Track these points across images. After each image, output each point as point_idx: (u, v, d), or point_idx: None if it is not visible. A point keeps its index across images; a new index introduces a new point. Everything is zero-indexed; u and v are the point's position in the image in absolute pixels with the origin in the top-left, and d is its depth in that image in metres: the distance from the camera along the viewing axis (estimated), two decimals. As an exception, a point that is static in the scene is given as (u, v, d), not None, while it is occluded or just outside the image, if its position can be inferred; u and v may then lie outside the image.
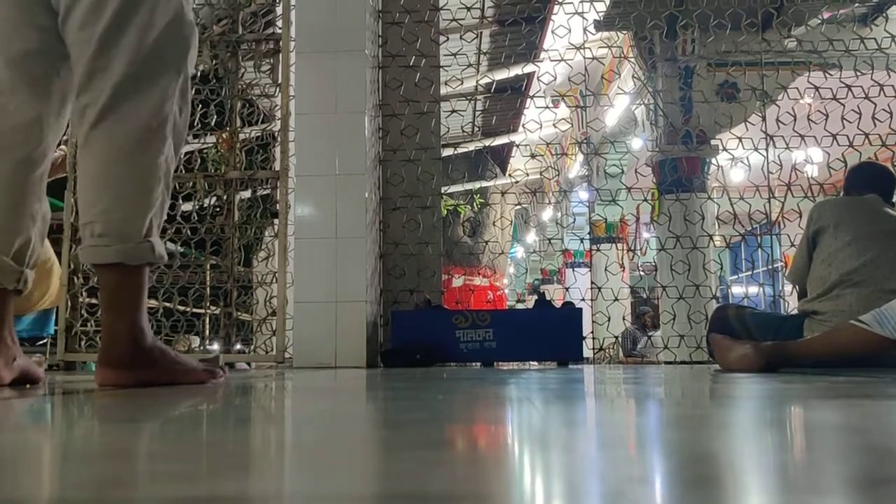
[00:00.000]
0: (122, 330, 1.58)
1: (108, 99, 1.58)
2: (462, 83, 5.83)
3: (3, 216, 1.63)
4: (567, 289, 4.37)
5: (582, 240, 5.41)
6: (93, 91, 1.59)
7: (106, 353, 1.59)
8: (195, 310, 4.34)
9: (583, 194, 10.04)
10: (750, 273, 10.04)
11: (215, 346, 4.03)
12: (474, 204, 12.50)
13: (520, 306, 12.39)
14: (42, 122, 1.65)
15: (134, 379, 1.57)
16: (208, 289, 3.83)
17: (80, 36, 1.60)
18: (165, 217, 1.70)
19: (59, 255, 3.62)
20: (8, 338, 1.66)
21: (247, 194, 4.12)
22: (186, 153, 3.69)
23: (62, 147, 3.85)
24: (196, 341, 5.09)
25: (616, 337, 5.94)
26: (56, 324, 3.66)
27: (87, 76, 1.60)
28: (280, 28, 3.65)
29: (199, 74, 3.79)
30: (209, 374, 1.71)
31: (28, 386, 1.69)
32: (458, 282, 11.26)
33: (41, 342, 4.17)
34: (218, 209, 3.75)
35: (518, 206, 11.37)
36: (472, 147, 9.16)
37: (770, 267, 6.38)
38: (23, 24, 1.64)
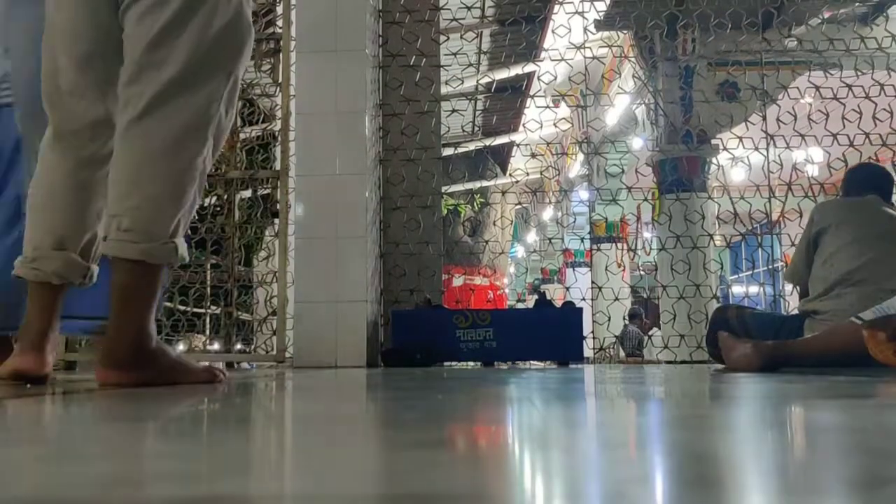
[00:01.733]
0: (128, 331, 1.56)
1: (155, 94, 1.56)
2: (462, 83, 5.83)
3: (72, 214, 1.66)
4: (567, 288, 4.38)
5: (582, 239, 5.41)
6: (141, 84, 1.57)
7: (108, 353, 1.57)
8: (196, 309, 4.34)
9: (583, 194, 10.03)
10: (750, 273, 10.04)
11: (215, 346, 4.03)
12: (475, 203, 12.49)
13: (520, 306, 12.38)
14: (109, 122, 1.64)
15: (135, 380, 1.55)
16: (209, 288, 3.83)
17: (138, 28, 1.59)
18: (194, 216, 1.70)
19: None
20: (56, 331, 1.69)
21: (247, 194, 4.12)
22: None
23: None
24: (198, 340, 5.09)
25: (616, 337, 5.95)
26: None
27: (137, 68, 1.58)
28: (280, 27, 3.66)
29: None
30: (210, 375, 1.69)
31: (28, 385, 1.69)
32: (458, 281, 11.25)
33: None
34: (218, 208, 3.76)
35: (518, 206, 11.36)
36: (472, 146, 9.15)
37: (770, 267, 6.38)
38: (88, 23, 1.64)
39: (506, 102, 9.57)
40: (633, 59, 6.97)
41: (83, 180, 1.66)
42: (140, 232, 1.54)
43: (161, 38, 1.57)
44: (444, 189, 4.60)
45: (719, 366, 2.71)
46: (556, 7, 4.70)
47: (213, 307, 3.94)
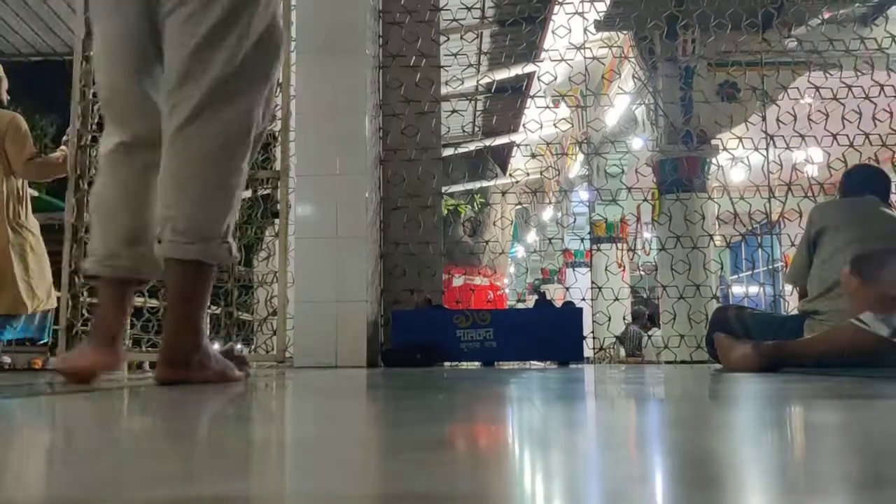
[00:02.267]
0: (187, 330, 1.60)
1: (200, 100, 1.60)
2: (462, 83, 5.83)
3: (143, 214, 1.70)
4: (567, 288, 4.38)
5: (582, 239, 5.40)
6: (186, 90, 1.61)
7: (170, 351, 1.61)
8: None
9: (583, 194, 10.03)
10: (750, 273, 10.04)
11: (216, 346, 4.03)
12: (475, 204, 12.49)
13: (520, 306, 12.38)
14: (161, 127, 1.69)
15: (194, 377, 1.60)
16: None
17: (182, 34, 1.62)
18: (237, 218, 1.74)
19: (58, 253, 3.62)
20: (126, 328, 1.77)
21: (247, 194, 4.12)
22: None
23: (62, 147, 3.85)
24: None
25: (616, 337, 5.94)
26: (56, 323, 3.66)
27: (181, 75, 1.62)
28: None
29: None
30: (242, 371, 1.74)
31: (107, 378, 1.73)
32: (458, 281, 11.26)
33: (42, 342, 4.18)
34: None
35: (518, 206, 11.36)
36: (472, 147, 9.15)
37: (770, 267, 6.38)
38: (132, 37, 1.68)
39: (506, 103, 9.56)
40: (633, 60, 6.97)
41: (152, 182, 1.69)
42: (195, 233, 1.59)
43: (206, 43, 1.61)
44: (444, 189, 4.61)
45: (718, 366, 2.71)
46: (556, 8, 4.70)
47: (213, 307, 3.94)
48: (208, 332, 4.14)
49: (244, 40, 1.63)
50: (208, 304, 1.68)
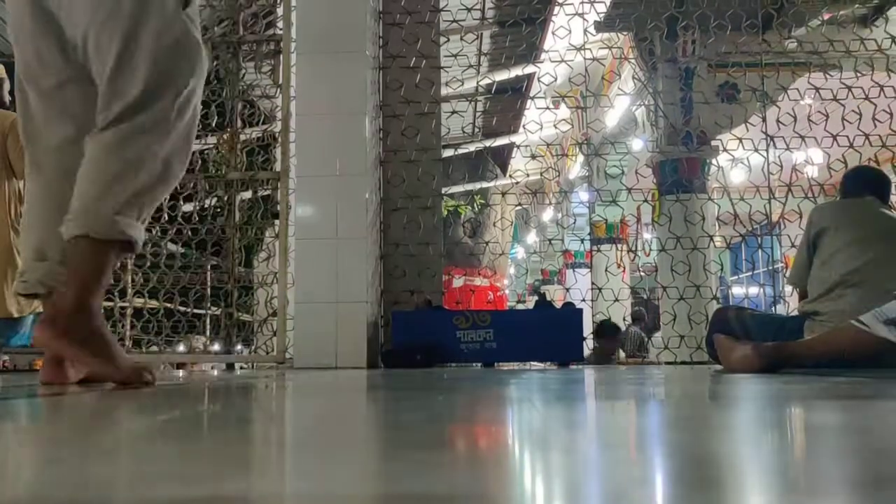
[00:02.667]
0: (71, 298, 1.62)
1: (116, 115, 1.69)
2: (462, 84, 5.83)
3: (48, 225, 1.74)
4: (567, 289, 4.38)
5: (582, 240, 5.41)
6: (108, 110, 1.70)
7: (49, 316, 1.67)
8: (196, 310, 4.34)
9: (583, 195, 10.04)
10: (750, 274, 10.04)
11: (216, 347, 4.03)
12: (475, 205, 12.49)
13: (520, 307, 12.37)
14: (77, 138, 1.75)
15: (65, 347, 1.62)
16: (209, 289, 3.84)
17: (96, 64, 1.72)
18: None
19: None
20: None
21: (248, 195, 4.12)
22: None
23: None
24: (198, 341, 5.09)
25: (616, 338, 5.93)
26: None
27: (104, 98, 1.71)
28: (281, 29, 3.66)
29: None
30: (137, 376, 1.66)
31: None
32: (458, 282, 11.25)
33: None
34: (219, 210, 3.76)
35: (518, 207, 11.35)
36: (472, 148, 9.14)
37: (770, 268, 6.38)
38: (45, 60, 1.77)
39: (506, 104, 9.56)
40: (633, 61, 6.98)
41: (55, 193, 1.75)
42: (82, 211, 1.64)
43: (115, 71, 1.69)
44: (444, 190, 4.60)
45: (719, 367, 2.71)
46: (556, 9, 4.70)
47: (213, 308, 3.95)
48: (209, 333, 4.16)
49: (152, 62, 1.71)
50: (102, 281, 1.67)
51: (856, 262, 2.59)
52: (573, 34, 4.20)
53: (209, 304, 3.97)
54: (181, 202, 3.84)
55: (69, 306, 1.61)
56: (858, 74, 4.23)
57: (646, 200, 4.98)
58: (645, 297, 11.25)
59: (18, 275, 1.79)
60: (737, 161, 4.64)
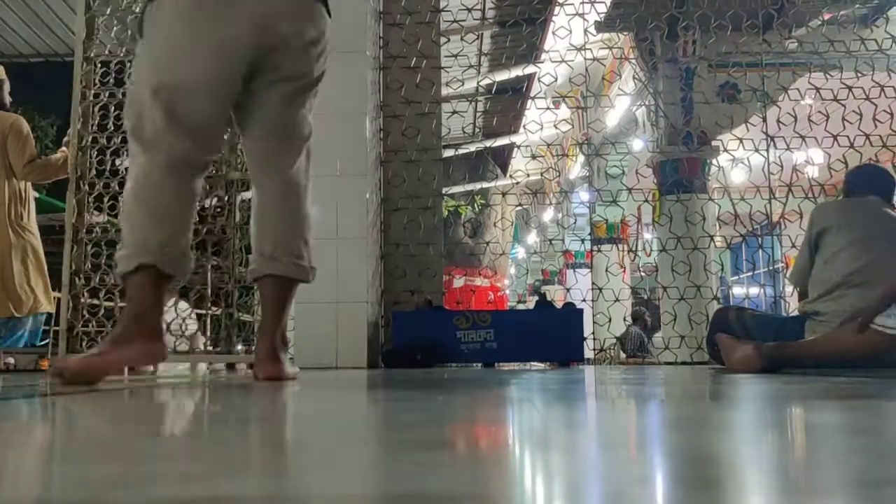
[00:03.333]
0: (282, 331, 2.01)
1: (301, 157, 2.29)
2: (463, 84, 5.82)
3: (189, 221, 1.96)
4: (568, 290, 4.37)
5: (583, 240, 5.40)
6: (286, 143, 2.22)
7: (271, 350, 1.93)
8: (197, 310, 4.34)
9: (583, 195, 10.03)
10: (751, 274, 10.03)
11: (216, 348, 4.03)
12: (475, 205, 12.49)
13: (521, 307, 12.37)
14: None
15: (284, 372, 1.93)
16: (209, 290, 3.83)
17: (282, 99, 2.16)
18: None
19: (58, 255, 3.62)
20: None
21: (248, 195, 4.12)
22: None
23: (63, 149, 3.86)
24: (199, 342, 5.09)
25: (617, 338, 5.94)
26: (57, 324, 3.66)
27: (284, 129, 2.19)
28: (281, 29, 3.65)
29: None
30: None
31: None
32: (458, 282, 11.25)
33: (43, 342, 4.18)
34: (219, 210, 3.76)
35: (519, 207, 11.35)
36: (473, 148, 9.15)
37: (771, 268, 6.38)
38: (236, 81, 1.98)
39: (506, 104, 9.56)
40: (633, 61, 6.97)
41: (195, 191, 1.96)
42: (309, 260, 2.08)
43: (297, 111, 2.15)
44: (444, 190, 4.60)
45: (718, 366, 2.70)
46: (557, 9, 4.70)
47: (213, 308, 3.94)
48: (208, 333, 4.16)
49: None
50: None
51: (857, 262, 2.59)
52: (573, 34, 4.20)
53: (210, 305, 3.97)
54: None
55: (282, 338, 2.01)
56: (859, 74, 4.23)
57: (646, 200, 4.98)
58: (645, 297, 11.25)
59: (155, 247, 1.82)
60: (737, 161, 4.64)
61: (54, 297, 3.90)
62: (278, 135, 2.03)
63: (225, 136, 2.04)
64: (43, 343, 4.18)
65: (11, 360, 4.26)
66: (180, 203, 1.90)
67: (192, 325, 4.62)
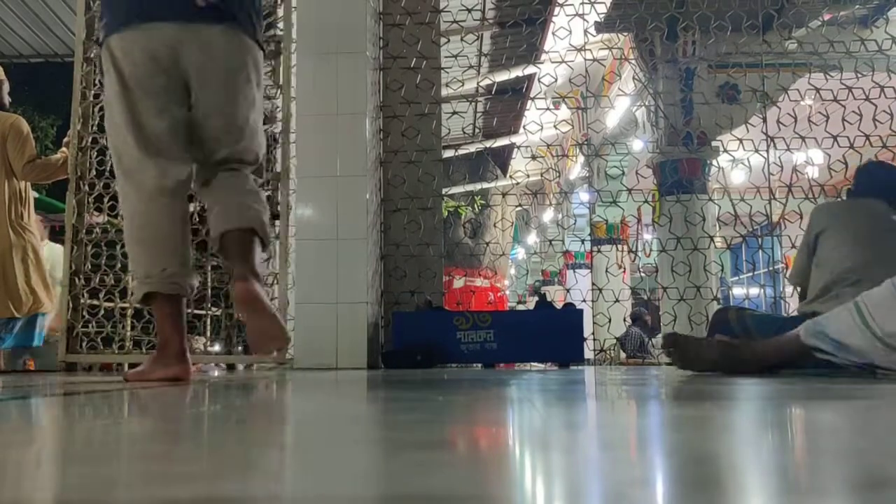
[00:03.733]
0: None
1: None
2: (463, 85, 5.83)
3: (187, 241, 2.16)
4: (568, 290, 4.37)
5: (583, 241, 5.41)
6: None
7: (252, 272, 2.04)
8: (196, 311, 4.34)
9: (583, 196, 10.04)
10: (751, 274, 10.03)
11: (216, 348, 4.03)
12: (475, 205, 12.49)
13: (521, 308, 12.38)
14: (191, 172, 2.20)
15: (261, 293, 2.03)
16: (209, 290, 3.83)
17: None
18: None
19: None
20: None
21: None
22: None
23: (63, 149, 3.86)
24: (199, 342, 5.09)
25: (617, 338, 5.94)
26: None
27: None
28: (281, 30, 3.66)
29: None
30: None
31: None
32: (458, 283, 11.25)
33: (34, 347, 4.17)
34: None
35: (519, 208, 11.36)
36: (472, 148, 9.14)
37: (771, 268, 6.38)
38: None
39: (506, 104, 9.57)
40: (633, 62, 6.98)
41: (184, 207, 2.16)
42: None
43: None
44: (444, 191, 4.60)
45: (673, 365, 2.62)
46: (557, 9, 4.70)
47: (213, 309, 3.94)
48: (209, 334, 4.16)
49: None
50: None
51: (854, 261, 2.59)
52: (573, 35, 4.20)
53: (209, 305, 3.96)
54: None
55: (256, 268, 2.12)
56: (859, 75, 4.23)
57: (646, 201, 4.98)
58: (645, 297, 11.25)
59: (160, 277, 2.04)
60: (737, 162, 4.64)
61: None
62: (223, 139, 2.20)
63: (187, 147, 2.17)
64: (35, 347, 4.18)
65: (28, 357, 4.27)
66: (170, 227, 2.09)
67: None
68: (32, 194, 4.06)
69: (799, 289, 2.95)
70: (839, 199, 3.07)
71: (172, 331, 2.06)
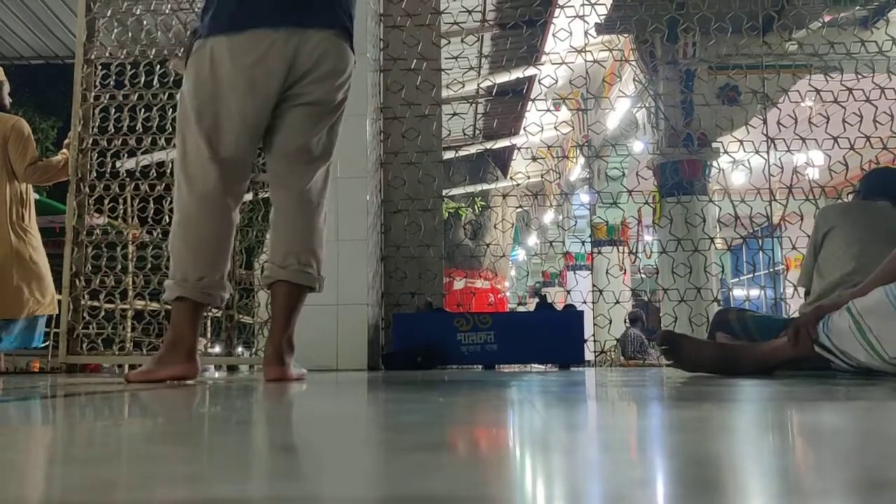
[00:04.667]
0: (291, 336, 2.15)
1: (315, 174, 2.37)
2: (463, 86, 5.83)
3: (229, 252, 2.18)
4: (568, 291, 4.38)
5: (583, 242, 5.41)
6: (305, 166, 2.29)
7: (279, 353, 2.10)
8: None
9: (584, 197, 10.04)
10: (751, 276, 10.03)
11: (217, 349, 4.03)
12: (475, 206, 12.49)
13: (521, 309, 12.38)
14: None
15: (290, 375, 2.10)
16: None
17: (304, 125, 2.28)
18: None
19: (57, 256, 3.62)
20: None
21: (248, 197, 4.12)
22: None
23: (64, 151, 3.86)
24: (199, 343, 5.09)
25: (617, 340, 5.93)
26: (58, 326, 3.66)
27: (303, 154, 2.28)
28: (282, 31, 3.66)
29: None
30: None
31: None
32: (459, 284, 11.26)
33: (35, 347, 4.18)
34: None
35: (519, 209, 11.36)
36: (473, 150, 9.15)
37: (771, 270, 6.38)
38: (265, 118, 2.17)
39: (507, 106, 9.57)
40: (633, 63, 6.98)
41: (232, 222, 2.18)
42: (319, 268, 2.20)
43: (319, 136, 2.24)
44: (444, 192, 4.61)
45: (670, 364, 2.61)
46: (557, 11, 4.70)
47: (214, 310, 3.94)
48: (208, 335, 4.16)
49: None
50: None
51: (856, 262, 2.59)
52: (574, 36, 4.20)
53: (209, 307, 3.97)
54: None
55: (291, 342, 2.15)
56: (859, 76, 4.23)
57: (647, 202, 4.99)
58: (646, 299, 11.25)
59: (193, 284, 2.07)
60: (737, 163, 4.64)
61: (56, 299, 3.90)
62: (295, 156, 2.16)
63: (253, 164, 2.25)
64: (37, 347, 4.18)
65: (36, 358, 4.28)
66: (217, 237, 2.12)
67: None
68: (33, 196, 4.06)
69: (804, 290, 2.94)
70: (846, 201, 3.06)
71: (188, 329, 2.08)
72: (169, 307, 3.98)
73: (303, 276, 2.14)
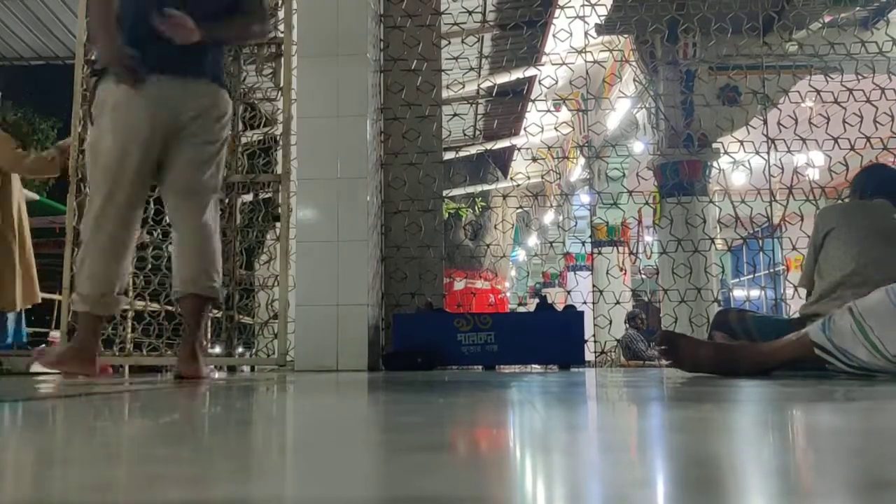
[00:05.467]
0: (202, 339, 2.49)
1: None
2: (463, 87, 5.84)
3: (127, 265, 2.53)
4: (569, 292, 4.38)
5: (583, 243, 5.41)
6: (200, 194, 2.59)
7: (190, 353, 2.39)
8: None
9: (584, 197, 10.04)
10: (752, 276, 10.03)
11: (217, 350, 4.03)
12: (476, 207, 12.49)
13: (521, 309, 12.37)
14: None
15: (202, 372, 2.38)
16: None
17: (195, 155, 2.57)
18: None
19: (58, 256, 3.62)
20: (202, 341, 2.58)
21: (249, 198, 4.13)
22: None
23: (53, 149, 3.89)
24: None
25: (617, 340, 5.94)
26: (58, 326, 3.66)
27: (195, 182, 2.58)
28: (282, 32, 3.66)
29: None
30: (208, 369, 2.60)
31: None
32: (459, 285, 11.25)
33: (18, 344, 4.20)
34: (220, 212, 3.76)
35: (519, 210, 11.36)
36: (473, 150, 9.16)
37: (772, 270, 6.38)
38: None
39: (507, 106, 9.57)
40: (634, 63, 6.98)
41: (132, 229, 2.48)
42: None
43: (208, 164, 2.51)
44: (445, 193, 4.61)
45: (669, 364, 2.60)
46: (558, 11, 4.70)
47: (214, 311, 3.94)
48: (210, 336, 4.17)
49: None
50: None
51: (857, 262, 2.58)
52: (574, 37, 4.20)
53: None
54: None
55: (201, 345, 2.48)
56: (859, 77, 4.23)
57: (647, 203, 4.99)
58: (646, 299, 11.24)
59: (95, 298, 2.37)
60: (738, 163, 4.65)
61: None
62: (187, 193, 2.44)
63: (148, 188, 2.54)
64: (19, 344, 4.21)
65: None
66: (114, 249, 2.38)
67: None
68: (32, 196, 4.09)
69: (806, 291, 2.93)
70: (846, 201, 3.05)
71: (92, 339, 2.42)
72: (169, 307, 3.99)
73: (210, 290, 2.45)
